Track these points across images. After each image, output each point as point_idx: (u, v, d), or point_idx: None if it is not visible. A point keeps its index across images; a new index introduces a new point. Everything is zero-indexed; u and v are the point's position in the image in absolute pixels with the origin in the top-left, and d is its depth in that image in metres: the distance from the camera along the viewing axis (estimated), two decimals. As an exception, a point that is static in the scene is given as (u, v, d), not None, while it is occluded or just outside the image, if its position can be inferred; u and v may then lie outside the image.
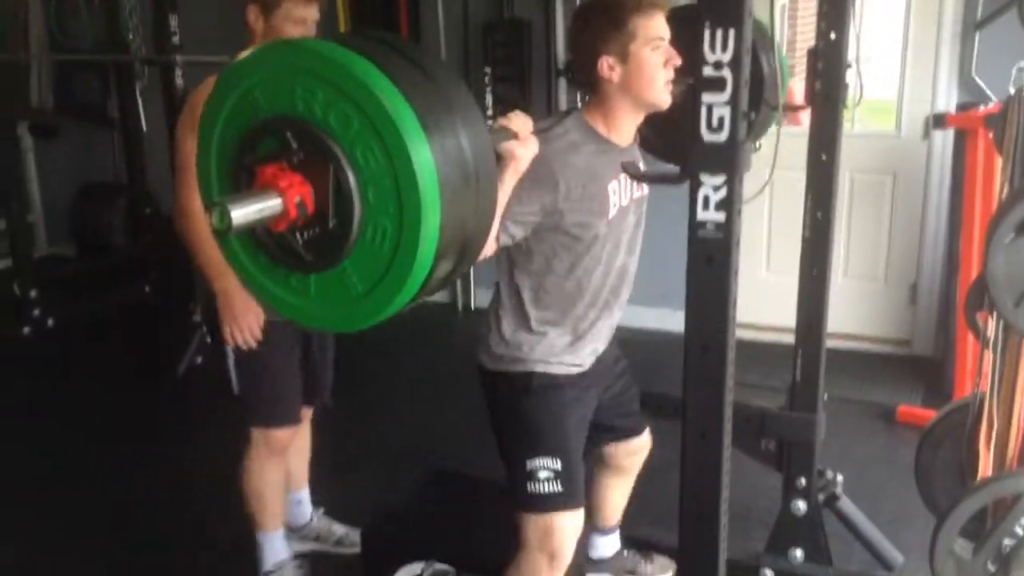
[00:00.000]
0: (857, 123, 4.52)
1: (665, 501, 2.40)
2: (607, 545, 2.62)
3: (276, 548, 2.67)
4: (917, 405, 3.73)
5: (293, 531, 2.83)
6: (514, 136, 1.66)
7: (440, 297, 5.25)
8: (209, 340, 3.18)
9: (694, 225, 1.36)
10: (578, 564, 2.32)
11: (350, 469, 3.39)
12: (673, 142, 2.21)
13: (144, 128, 5.15)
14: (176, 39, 4.23)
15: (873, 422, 3.70)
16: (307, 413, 2.75)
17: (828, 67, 2.26)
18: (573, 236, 2.01)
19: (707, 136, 1.32)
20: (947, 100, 4.04)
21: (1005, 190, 2.08)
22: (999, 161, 2.24)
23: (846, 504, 2.56)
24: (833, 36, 2.24)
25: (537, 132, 1.73)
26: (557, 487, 2.05)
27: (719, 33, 1.28)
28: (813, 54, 2.28)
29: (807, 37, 2.45)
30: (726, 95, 1.30)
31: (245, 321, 2.37)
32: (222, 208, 1.11)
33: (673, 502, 1.51)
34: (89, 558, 2.92)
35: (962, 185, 3.50)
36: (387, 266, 1.17)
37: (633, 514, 2.65)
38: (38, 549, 2.99)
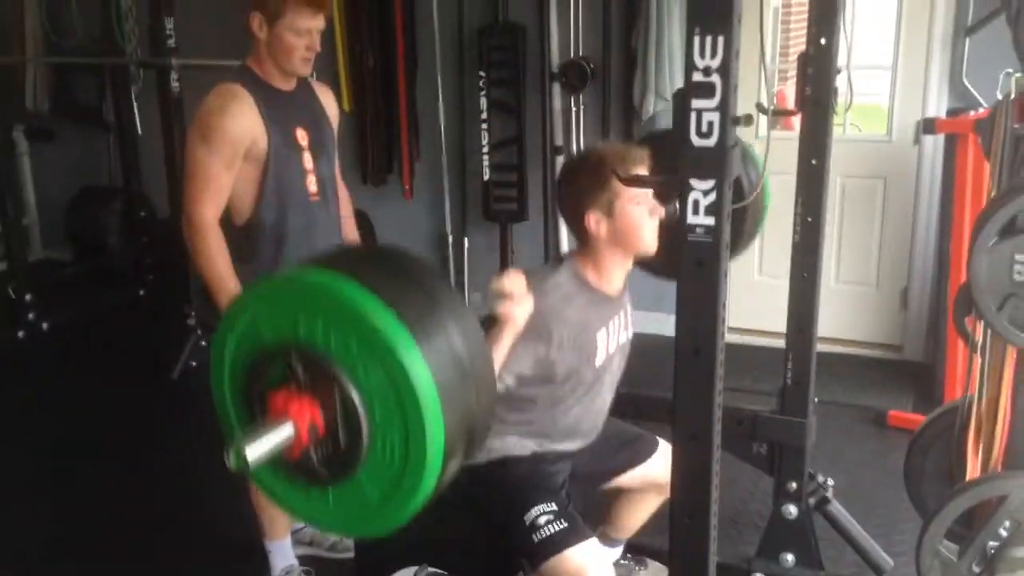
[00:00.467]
0: (848, 127, 4.55)
1: (659, 507, 2.43)
2: (609, 555, 2.62)
3: (285, 555, 2.68)
4: (908, 410, 3.75)
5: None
6: (509, 297, 1.76)
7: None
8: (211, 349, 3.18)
9: (683, 229, 1.38)
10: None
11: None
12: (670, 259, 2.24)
13: (139, 131, 5.17)
14: (172, 42, 4.24)
15: (864, 426, 3.72)
16: None
17: (818, 72, 2.27)
18: (558, 381, 2.10)
19: (696, 141, 1.34)
20: (938, 105, 4.06)
21: (993, 194, 2.10)
22: (988, 166, 2.26)
23: (836, 508, 2.57)
24: (823, 41, 2.26)
25: (532, 284, 1.83)
26: (561, 524, 2.05)
27: (708, 40, 1.29)
28: (803, 59, 2.30)
29: (799, 42, 2.47)
30: (715, 100, 1.31)
31: None
32: (237, 451, 1.18)
33: (666, 508, 1.53)
34: (85, 561, 2.93)
35: (952, 190, 3.52)
36: (400, 475, 1.23)
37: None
38: (34, 552, 2.99)
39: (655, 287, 2.56)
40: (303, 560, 2.78)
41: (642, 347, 2.40)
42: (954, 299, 2.54)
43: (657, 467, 2.39)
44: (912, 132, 4.19)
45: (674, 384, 1.45)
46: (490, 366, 1.34)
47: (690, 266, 1.39)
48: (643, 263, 2.27)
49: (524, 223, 4.80)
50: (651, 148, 2.08)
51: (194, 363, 4.34)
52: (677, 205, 1.54)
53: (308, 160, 2.45)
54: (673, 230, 2.03)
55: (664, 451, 2.41)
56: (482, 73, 4.66)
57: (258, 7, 2.34)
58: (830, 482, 2.59)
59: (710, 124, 1.33)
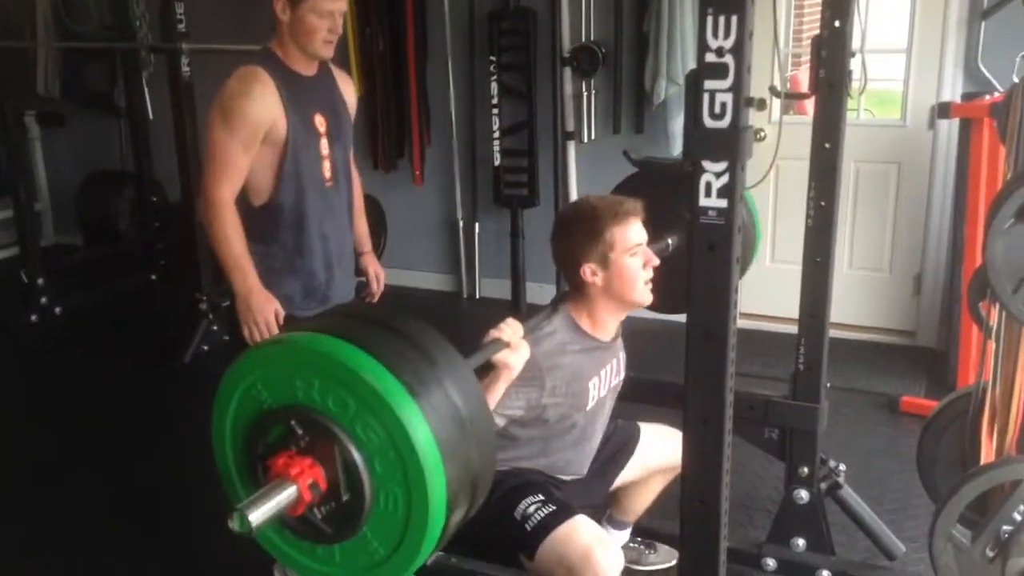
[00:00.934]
0: (862, 112, 4.51)
1: (670, 491, 2.43)
2: (617, 538, 2.62)
3: None
4: (920, 395, 3.73)
5: None
6: (506, 346, 1.80)
7: (445, 286, 5.26)
8: (227, 339, 3.17)
9: (696, 212, 1.37)
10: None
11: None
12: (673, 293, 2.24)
13: (151, 116, 5.17)
14: (182, 27, 4.23)
15: (876, 412, 3.70)
16: None
17: (832, 55, 2.25)
18: (549, 424, 2.11)
19: (709, 123, 1.33)
20: (952, 89, 4.02)
21: (1009, 176, 2.08)
22: (1004, 150, 2.24)
23: (848, 493, 2.56)
24: (837, 24, 2.24)
25: (528, 330, 1.87)
26: (549, 508, 2.06)
27: (721, 19, 1.28)
28: (817, 42, 2.27)
29: (814, 25, 2.45)
30: (728, 81, 1.30)
31: (263, 318, 2.35)
32: (241, 515, 1.20)
33: (677, 492, 1.53)
34: (95, 544, 2.94)
35: (967, 174, 3.49)
36: (404, 528, 1.26)
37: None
38: (44, 535, 3.00)
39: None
40: None
41: (653, 331, 2.40)
42: (968, 284, 2.52)
43: (652, 456, 2.41)
44: (927, 116, 4.16)
45: (685, 368, 1.44)
46: (489, 419, 1.36)
47: (702, 249, 1.38)
48: (659, 305, 2.26)
49: (534, 208, 4.78)
50: (646, 174, 2.10)
51: (205, 347, 4.36)
52: (670, 241, 1.55)
53: (325, 146, 2.45)
54: (669, 268, 2.11)
55: (648, 437, 2.43)
56: (493, 58, 4.65)
57: None
58: (842, 467, 2.58)
59: (723, 105, 1.32)
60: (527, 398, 2.03)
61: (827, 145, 2.33)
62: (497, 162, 4.75)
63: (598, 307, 2.14)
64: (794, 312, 2.51)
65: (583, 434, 2.22)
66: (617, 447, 2.40)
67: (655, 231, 2.22)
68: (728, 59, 1.29)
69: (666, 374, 2.40)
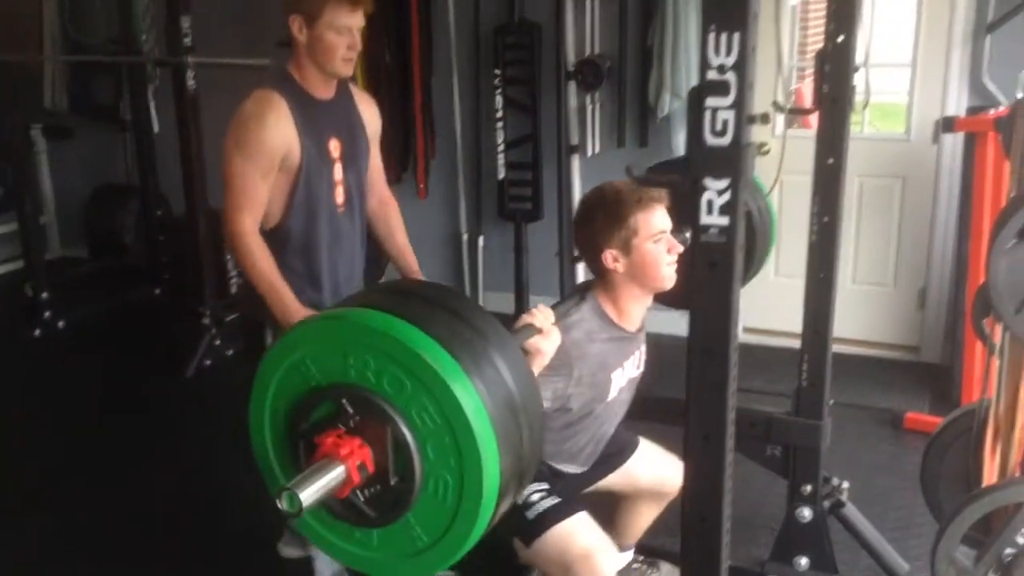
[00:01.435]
0: (866, 126, 4.51)
1: (672, 508, 2.41)
2: (620, 560, 2.61)
3: (329, 561, 2.68)
4: (925, 412, 3.71)
5: None
6: (538, 332, 1.74)
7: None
8: (232, 353, 3.05)
9: (697, 229, 1.36)
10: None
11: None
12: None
13: (156, 129, 5.18)
14: (188, 41, 4.25)
15: (880, 428, 3.69)
16: None
17: (836, 70, 2.25)
18: (571, 413, 2.10)
19: (711, 140, 1.32)
20: (957, 103, 4.02)
21: (1013, 194, 2.07)
22: (1008, 165, 2.23)
23: (852, 511, 2.55)
24: (841, 39, 2.24)
25: (557, 318, 1.82)
26: (553, 500, 2.07)
27: (723, 37, 1.27)
28: (821, 56, 2.27)
29: (818, 39, 2.45)
30: (730, 99, 1.30)
31: None
32: (291, 494, 1.15)
33: (679, 509, 1.51)
34: (97, 558, 2.94)
35: (971, 189, 3.48)
36: (452, 516, 1.22)
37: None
38: (47, 547, 3.00)
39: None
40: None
41: (656, 346, 2.39)
42: (972, 300, 2.51)
43: (642, 473, 2.40)
44: (931, 131, 4.13)
45: (687, 385, 1.43)
46: (539, 405, 1.32)
47: (703, 267, 1.38)
48: (662, 297, 2.26)
49: (539, 222, 4.78)
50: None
51: (208, 362, 4.36)
52: (687, 235, 1.51)
53: (338, 171, 2.43)
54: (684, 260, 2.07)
55: (645, 451, 2.42)
56: (498, 71, 4.66)
57: (296, 9, 2.32)
58: (845, 485, 2.57)
59: (725, 123, 1.31)
60: (554, 388, 2.00)
61: (830, 160, 2.33)
62: (501, 175, 4.76)
63: (622, 294, 2.12)
64: (797, 327, 2.50)
65: (599, 425, 2.20)
66: (612, 451, 2.38)
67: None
68: (730, 76, 1.29)
69: (668, 390, 2.39)
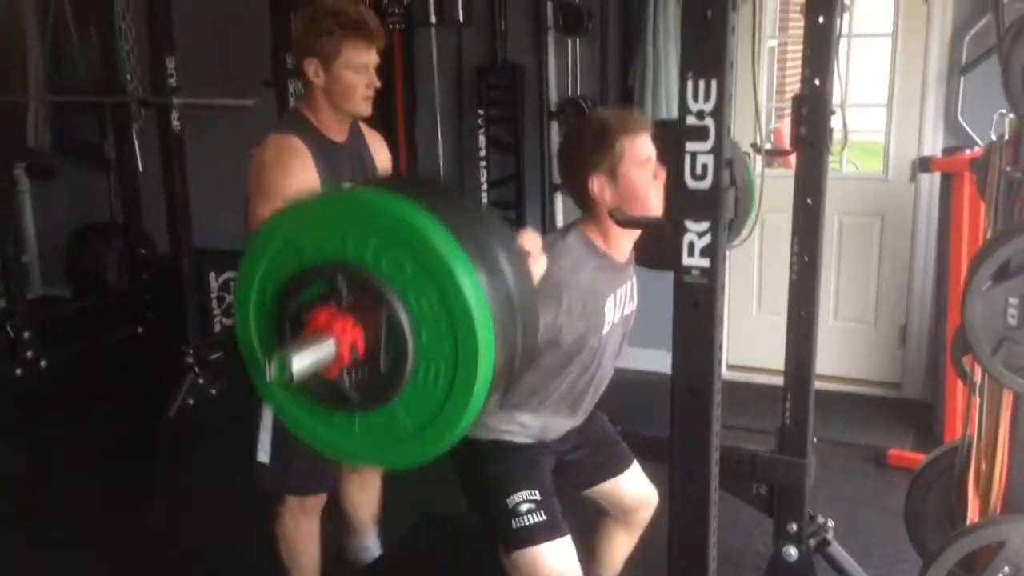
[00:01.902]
0: (845, 164, 4.57)
1: (656, 545, 2.41)
2: None
3: (373, 547, 2.67)
4: (908, 448, 3.73)
5: None
6: (527, 255, 1.71)
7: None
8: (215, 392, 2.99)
9: (679, 270, 1.38)
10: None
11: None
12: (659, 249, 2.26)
13: (140, 168, 5.19)
14: (173, 81, 4.27)
15: (864, 465, 3.70)
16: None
17: (813, 113, 2.29)
18: (563, 348, 2.07)
19: (691, 183, 1.35)
20: (933, 143, 4.09)
21: (988, 235, 2.11)
22: (984, 205, 2.27)
23: (837, 550, 2.54)
24: (817, 82, 2.28)
25: (545, 246, 1.77)
26: (541, 516, 2.06)
27: (701, 84, 1.30)
28: (798, 100, 2.31)
29: (795, 79, 2.49)
30: (709, 143, 1.32)
31: None
32: (282, 360, 1.11)
33: (665, 546, 1.51)
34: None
35: (949, 228, 3.53)
36: (440, 405, 1.18)
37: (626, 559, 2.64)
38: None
39: (651, 323, 2.55)
40: None
41: (638, 384, 2.40)
42: (952, 339, 2.54)
43: (629, 489, 2.40)
44: (908, 170, 4.21)
45: (671, 425, 1.44)
46: (535, 303, 1.28)
47: (686, 307, 1.39)
48: (644, 258, 2.26)
49: (523, 260, 4.79)
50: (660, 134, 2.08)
51: (191, 401, 4.33)
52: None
53: None
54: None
55: (635, 473, 2.42)
56: (481, 111, 4.70)
57: (311, 52, 2.31)
58: (830, 523, 2.57)
59: (704, 167, 1.33)
60: (543, 318, 1.94)
61: (809, 201, 2.36)
62: (485, 214, 4.78)
63: (610, 224, 2.08)
64: (780, 363, 2.51)
65: (595, 360, 2.16)
66: (611, 457, 2.39)
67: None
68: (708, 122, 1.32)
69: (651, 427, 2.40)
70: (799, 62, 2.38)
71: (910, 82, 4.15)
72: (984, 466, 2.08)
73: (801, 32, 2.32)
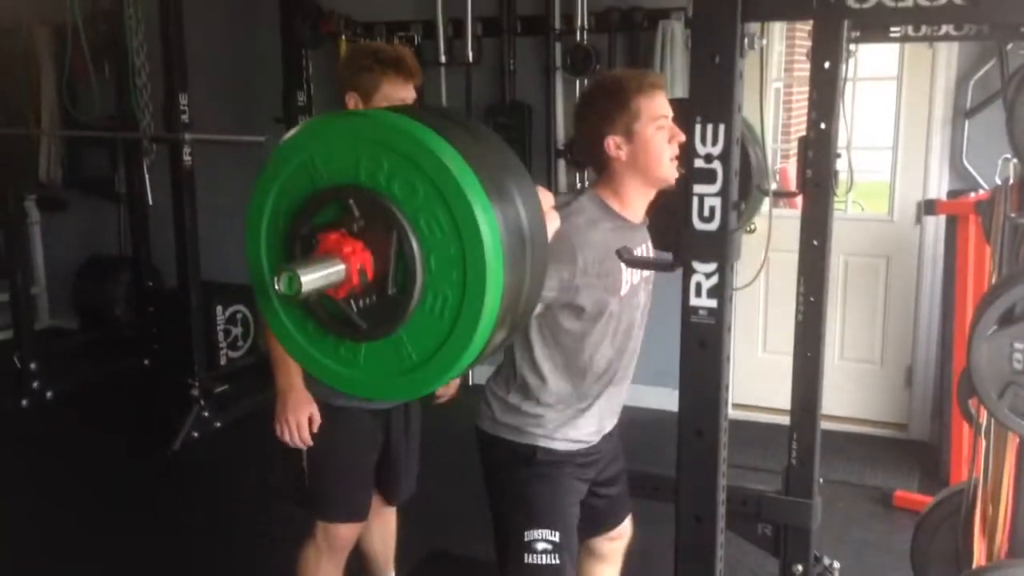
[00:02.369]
0: (851, 205, 4.59)
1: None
2: None
3: None
4: (914, 490, 3.72)
5: None
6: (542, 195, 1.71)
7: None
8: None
9: (687, 310, 1.39)
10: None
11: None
12: (664, 228, 2.26)
13: (150, 203, 5.23)
14: (185, 117, 4.32)
15: (870, 506, 3.68)
16: (391, 503, 2.73)
17: (818, 156, 2.31)
18: (585, 312, 2.04)
19: (699, 225, 1.37)
20: (939, 185, 4.11)
21: (993, 279, 2.12)
22: (989, 248, 2.28)
23: (843, 591, 2.53)
24: (823, 126, 2.30)
25: (558, 205, 1.77)
26: (555, 559, 2.04)
27: (709, 128, 1.33)
28: (804, 143, 2.33)
29: (802, 121, 2.51)
30: (717, 186, 1.35)
31: (295, 418, 2.31)
32: (291, 274, 1.10)
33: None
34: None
35: (954, 270, 3.54)
36: (446, 335, 1.16)
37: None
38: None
39: (657, 362, 2.56)
40: None
41: (644, 422, 2.40)
42: (957, 381, 2.54)
43: (616, 533, 2.40)
44: (913, 212, 4.24)
45: (677, 465, 1.45)
46: (545, 250, 1.27)
47: (693, 347, 1.41)
48: (659, 238, 2.24)
49: (529, 297, 4.82)
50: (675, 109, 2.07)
51: (196, 434, 4.33)
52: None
53: None
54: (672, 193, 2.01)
55: (626, 524, 2.42)
56: (489, 149, 4.74)
57: (352, 87, 2.35)
58: (836, 565, 2.55)
59: (712, 209, 1.36)
60: (559, 277, 1.95)
61: (815, 242, 2.37)
62: (492, 251, 4.80)
63: (624, 184, 2.07)
64: (786, 403, 2.51)
65: (620, 325, 2.12)
66: (619, 508, 2.39)
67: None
68: (716, 165, 1.34)
69: (657, 466, 2.40)
70: (804, 104, 2.40)
71: (915, 125, 4.18)
72: (990, 509, 2.07)
73: (806, 74, 2.35)
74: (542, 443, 2.10)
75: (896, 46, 4.20)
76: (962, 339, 3.39)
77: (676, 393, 1.44)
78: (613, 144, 2.03)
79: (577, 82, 4.55)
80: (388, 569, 2.86)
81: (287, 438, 2.32)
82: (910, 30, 2.64)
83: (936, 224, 4.11)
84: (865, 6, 1.30)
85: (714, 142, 1.33)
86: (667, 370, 2.23)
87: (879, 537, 3.42)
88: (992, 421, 2.03)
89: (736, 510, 2.31)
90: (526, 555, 2.04)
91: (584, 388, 2.13)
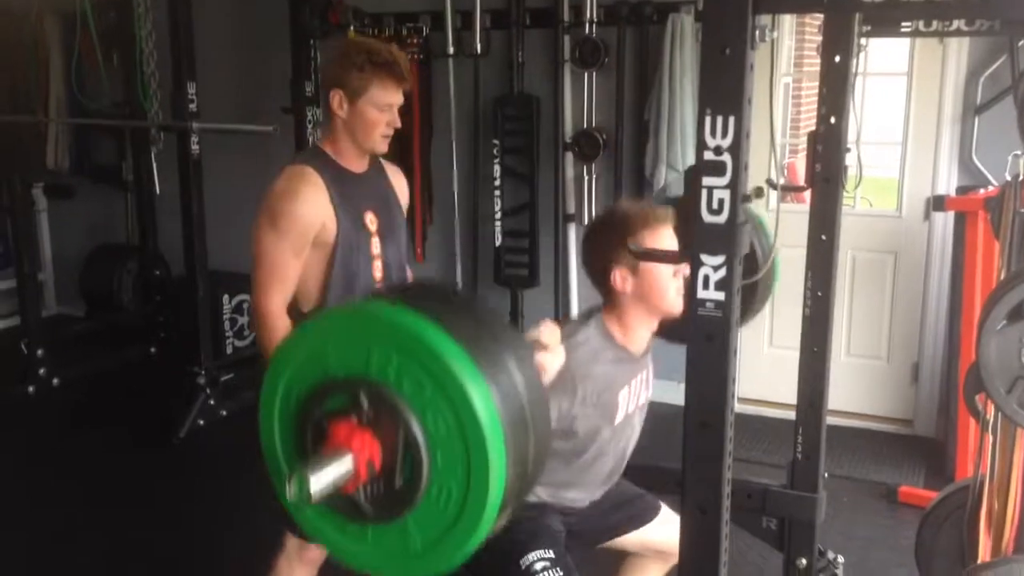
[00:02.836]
0: (860, 201, 4.58)
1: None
2: None
3: None
4: (919, 485, 3.71)
5: None
6: (544, 348, 1.73)
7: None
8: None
9: (694, 304, 1.39)
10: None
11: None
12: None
13: (158, 191, 5.24)
14: (193, 106, 4.33)
15: (875, 502, 3.68)
16: None
17: (828, 151, 2.30)
18: (577, 436, 2.10)
19: (707, 218, 1.36)
20: (948, 181, 4.10)
21: (1002, 274, 2.11)
22: (998, 244, 2.28)
23: (847, 586, 2.53)
24: (833, 120, 2.29)
25: (563, 336, 1.79)
26: (557, 572, 2.04)
27: (719, 120, 1.32)
28: (813, 137, 2.32)
29: (811, 115, 2.51)
30: (726, 179, 1.34)
31: None
32: (300, 479, 1.13)
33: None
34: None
35: (962, 266, 3.53)
36: (451, 525, 1.20)
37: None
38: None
39: (665, 355, 2.55)
40: None
41: (652, 415, 2.40)
42: (964, 377, 2.53)
43: (656, 534, 2.38)
44: (922, 208, 4.22)
45: (683, 458, 1.45)
46: (547, 417, 1.30)
47: (700, 340, 1.40)
48: (663, 331, 2.26)
49: (535, 289, 4.82)
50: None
51: (201, 422, 4.34)
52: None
53: (376, 245, 2.40)
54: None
55: (665, 518, 2.40)
56: (496, 141, 4.74)
57: (339, 84, 2.31)
58: (840, 559, 2.55)
59: (721, 201, 1.35)
60: (558, 407, 1.99)
61: (823, 237, 2.36)
62: (498, 242, 4.81)
63: (629, 315, 2.12)
64: (792, 397, 2.51)
65: (610, 448, 2.18)
66: (633, 512, 2.38)
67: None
68: (726, 157, 1.33)
69: (663, 459, 2.39)
70: (814, 98, 2.39)
71: (925, 121, 4.17)
72: (996, 505, 2.07)
73: (816, 69, 2.34)
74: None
75: (906, 41, 4.19)
76: (969, 335, 3.40)
77: (682, 386, 1.44)
78: (619, 276, 2.08)
79: (586, 75, 4.54)
80: None
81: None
82: (921, 25, 2.63)
83: (945, 220, 4.09)
84: (876, 0, 1.29)
85: (724, 134, 1.32)
86: (673, 363, 2.23)
87: (884, 532, 3.41)
88: (999, 417, 2.03)
89: (741, 503, 2.30)
90: None
91: (562, 493, 2.19)
